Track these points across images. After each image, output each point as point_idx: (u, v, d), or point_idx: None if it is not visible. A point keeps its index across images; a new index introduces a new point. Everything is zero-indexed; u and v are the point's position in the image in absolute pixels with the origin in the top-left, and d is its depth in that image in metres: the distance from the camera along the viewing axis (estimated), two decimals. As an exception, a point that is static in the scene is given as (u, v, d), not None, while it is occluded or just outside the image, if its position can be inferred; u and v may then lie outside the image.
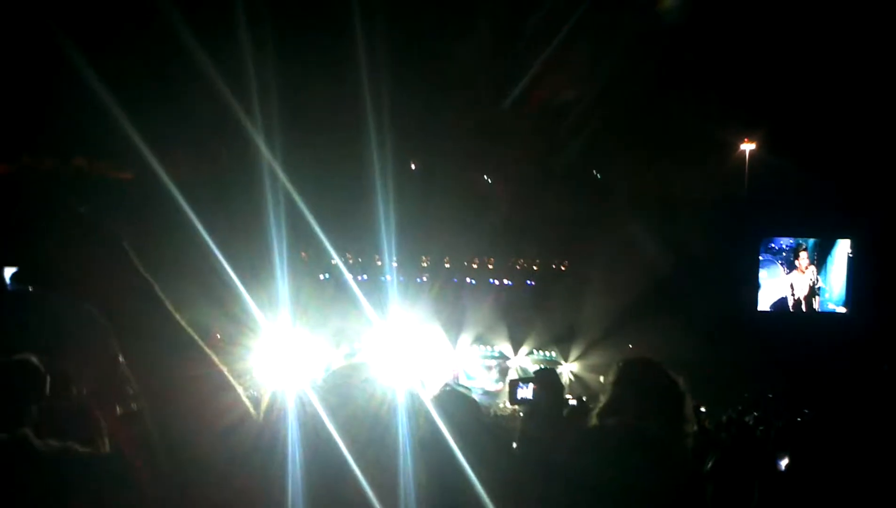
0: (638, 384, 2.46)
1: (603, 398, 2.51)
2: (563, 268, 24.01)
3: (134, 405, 2.38)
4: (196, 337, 1.45)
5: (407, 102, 19.47)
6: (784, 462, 3.63)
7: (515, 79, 18.66)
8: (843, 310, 23.89)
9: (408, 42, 18.04)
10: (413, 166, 22.98)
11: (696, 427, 2.52)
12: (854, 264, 23.64)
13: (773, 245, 24.23)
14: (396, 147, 20.40)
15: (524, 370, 22.16)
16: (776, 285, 24.19)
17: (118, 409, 2.51)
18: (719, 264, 20.76)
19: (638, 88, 19.26)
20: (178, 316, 1.42)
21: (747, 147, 23.15)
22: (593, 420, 2.46)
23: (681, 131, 20.69)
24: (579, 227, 21.45)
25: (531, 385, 2.87)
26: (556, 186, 21.18)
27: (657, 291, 20.33)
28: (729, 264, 21.58)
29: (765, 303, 24.13)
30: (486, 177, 20.46)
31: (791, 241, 24.17)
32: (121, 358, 1.45)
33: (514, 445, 2.99)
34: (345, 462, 1.43)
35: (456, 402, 2.57)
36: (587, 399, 7.49)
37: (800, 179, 21.25)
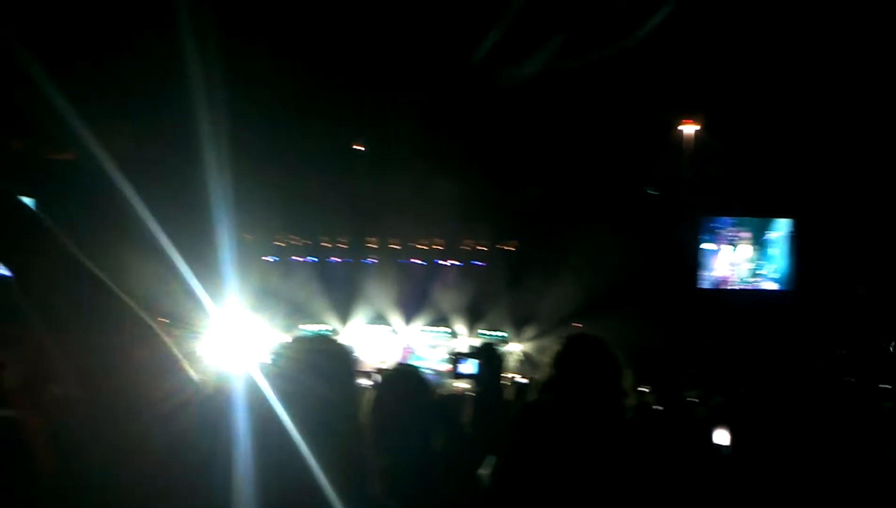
0: (579, 360, 2.51)
1: (543, 374, 2.56)
2: (511, 249, 24.17)
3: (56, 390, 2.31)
4: (142, 314, 1.40)
5: (355, 81, 19.36)
6: (719, 438, 3.74)
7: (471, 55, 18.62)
8: (779, 288, 24.48)
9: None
10: (361, 147, 22.87)
11: (635, 402, 2.57)
12: (794, 244, 24.22)
13: (713, 225, 24.71)
14: (345, 126, 20.30)
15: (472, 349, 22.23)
16: (717, 263, 24.69)
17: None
18: (661, 245, 21.09)
19: (578, 68, 19.36)
20: (118, 291, 1.37)
21: (687, 128, 23.51)
22: (533, 396, 2.52)
23: (621, 112, 20.90)
24: (528, 208, 21.60)
25: (471, 360, 2.90)
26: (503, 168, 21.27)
27: (603, 272, 20.63)
28: (671, 244, 21.94)
29: (706, 281, 24.62)
30: (434, 157, 20.40)
31: (732, 220, 24.66)
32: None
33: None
34: (293, 443, 1.43)
35: (406, 378, 2.60)
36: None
37: (740, 160, 21.69)
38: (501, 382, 3.07)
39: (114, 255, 18.60)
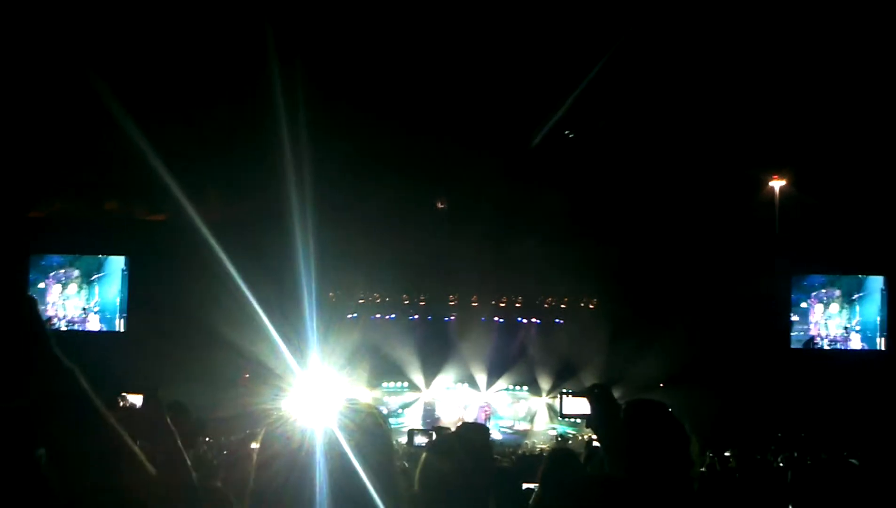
0: (643, 429, 2.51)
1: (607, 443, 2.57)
2: (591, 306, 23.94)
3: None
4: (128, 440, 1.34)
5: (433, 140, 19.72)
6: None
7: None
8: (877, 348, 23.54)
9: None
10: (440, 205, 23.13)
11: (716, 469, 2.55)
12: (888, 301, 23.33)
13: (804, 283, 24.02)
14: (423, 186, 20.63)
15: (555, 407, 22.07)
16: (808, 322, 23.92)
17: None
18: (751, 303, 20.57)
19: (665, 122, 19.32)
20: (108, 416, 1.31)
21: (777, 184, 23.04)
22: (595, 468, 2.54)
23: (709, 168, 20.67)
24: (606, 266, 21.35)
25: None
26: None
27: (691, 332, 20.20)
28: (760, 302, 21.37)
29: (797, 341, 23.85)
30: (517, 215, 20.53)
31: (823, 278, 23.94)
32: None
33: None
34: (369, 498, 1.50)
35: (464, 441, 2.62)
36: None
37: (830, 216, 21.13)
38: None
39: (202, 314, 19.16)
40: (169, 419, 2.06)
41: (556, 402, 21.85)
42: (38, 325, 1.26)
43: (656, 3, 15.68)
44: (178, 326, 18.77)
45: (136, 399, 3.24)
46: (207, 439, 10.87)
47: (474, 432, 2.82)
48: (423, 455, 2.63)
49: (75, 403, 1.27)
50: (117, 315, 22.71)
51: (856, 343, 23.69)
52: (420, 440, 5.00)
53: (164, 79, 16.83)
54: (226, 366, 19.06)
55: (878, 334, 23.56)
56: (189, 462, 1.90)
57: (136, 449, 1.36)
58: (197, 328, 18.53)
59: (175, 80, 17.00)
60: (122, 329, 22.58)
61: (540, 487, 3.46)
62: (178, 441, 1.94)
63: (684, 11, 15.77)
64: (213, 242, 13.10)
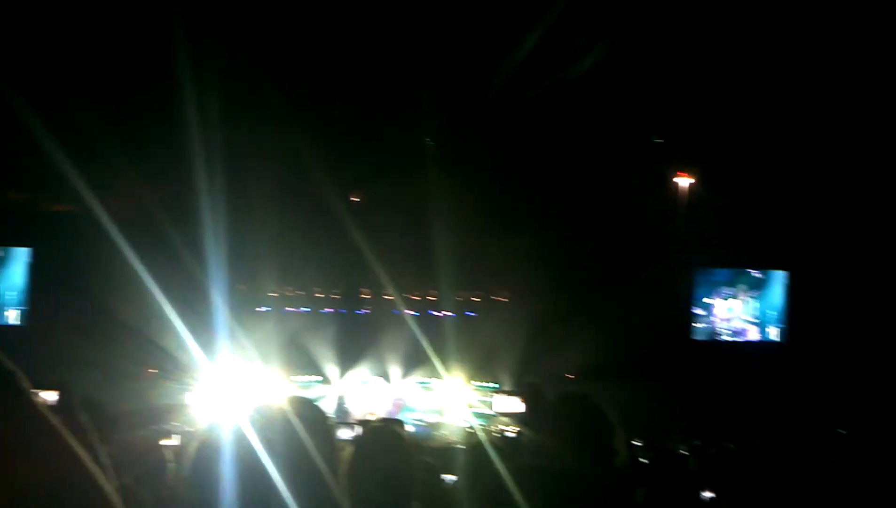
0: (571, 419, 2.55)
1: (531, 433, 2.60)
2: (503, 300, 24.21)
3: None
4: (72, 442, 1.29)
5: (348, 133, 19.58)
6: (708, 494, 3.74)
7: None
8: (773, 339, 24.55)
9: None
10: (354, 199, 23.00)
11: (626, 460, 2.60)
12: (790, 296, 24.35)
13: (708, 277, 24.87)
14: (336, 178, 20.46)
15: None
16: (712, 316, 24.78)
17: None
18: (656, 297, 21.14)
19: (576, 118, 19.63)
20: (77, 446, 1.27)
21: (682, 180, 23.76)
22: (525, 457, 2.56)
23: (616, 164, 21.14)
24: (519, 259, 21.66)
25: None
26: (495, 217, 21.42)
27: (597, 324, 20.69)
28: (663, 295, 22.00)
29: (701, 333, 24.68)
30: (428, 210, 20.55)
31: (727, 272, 24.83)
32: None
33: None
34: (278, 493, 1.46)
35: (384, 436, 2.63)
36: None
37: (734, 212, 21.90)
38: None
39: (107, 305, 18.63)
40: (82, 416, 1.99)
41: (472, 395, 22.17)
42: None
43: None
44: (82, 319, 18.24)
45: (47, 395, 3.11)
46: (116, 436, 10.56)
47: (390, 427, 2.83)
48: (347, 449, 2.62)
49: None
50: (14, 307, 21.92)
51: (757, 335, 24.66)
52: (343, 433, 4.91)
53: (67, 66, 16.20)
54: (130, 360, 18.60)
55: (778, 326, 24.58)
56: (105, 460, 1.83)
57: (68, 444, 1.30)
58: (101, 322, 18.04)
59: (79, 67, 16.38)
60: (20, 322, 21.76)
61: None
62: (95, 438, 1.87)
63: (589, 7, 16.01)
64: (119, 233, 12.73)
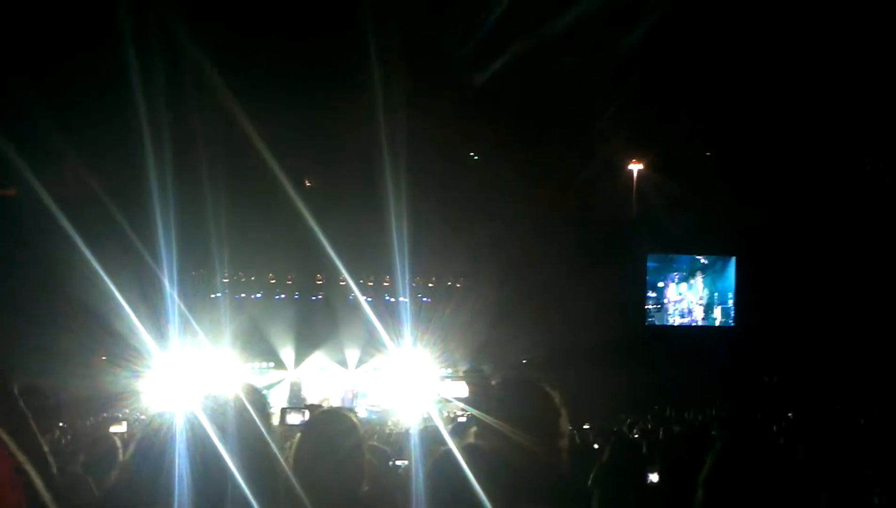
0: (515, 402, 2.58)
1: (479, 414, 2.63)
2: (458, 286, 24.27)
3: None
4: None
5: (305, 117, 19.42)
6: (654, 476, 3.82)
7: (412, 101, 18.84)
8: (728, 323, 25.07)
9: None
10: (308, 183, 22.83)
11: (576, 441, 2.65)
12: (738, 280, 24.85)
13: (660, 263, 25.23)
14: (289, 164, 20.28)
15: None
16: (664, 299, 25.17)
17: None
18: (608, 281, 21.38)
19: (530, 107, 19.71)
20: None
21: (635, 167, 24.05)
22: (470, 439, 2.59)
23: (570, 152, 21.31)
24: (473, 246, 21.74)
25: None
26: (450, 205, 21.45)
27: (548, 308, 20.88)
28: (618, 281, 22.27)
29: (654, 318, 25.06)
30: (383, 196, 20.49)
31: (679, 258, 25.23)
32: None
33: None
34: (229, 477, 1.47)
35: (332, 422, 2.65)
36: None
37: (687, 199, 22.24)
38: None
39: (54, 290, 18.20)
40: (22, 403, 1.96)
41: (426, 381, 22.19)
42: None
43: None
44: (28, 303, 17.84)
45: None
46: (61, 424, 10.41)
47: (338, 414, 2.84)
48: (298, 434, 2.63)
49: None
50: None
51: (707, 319, 25.14)
52: (293, 418, 4.89)
53: (10, 46, 15.77)
54: (79, 346, 18.28)
55: (728, 310, 25.08)
56: (46, 448, 1.82)
57: None
58: (48, 306, 17.67)
59: (23, 46, 15.96)
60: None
61: None
62: (34, 426, 1.85)
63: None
64: (66, 217, 12.47)
